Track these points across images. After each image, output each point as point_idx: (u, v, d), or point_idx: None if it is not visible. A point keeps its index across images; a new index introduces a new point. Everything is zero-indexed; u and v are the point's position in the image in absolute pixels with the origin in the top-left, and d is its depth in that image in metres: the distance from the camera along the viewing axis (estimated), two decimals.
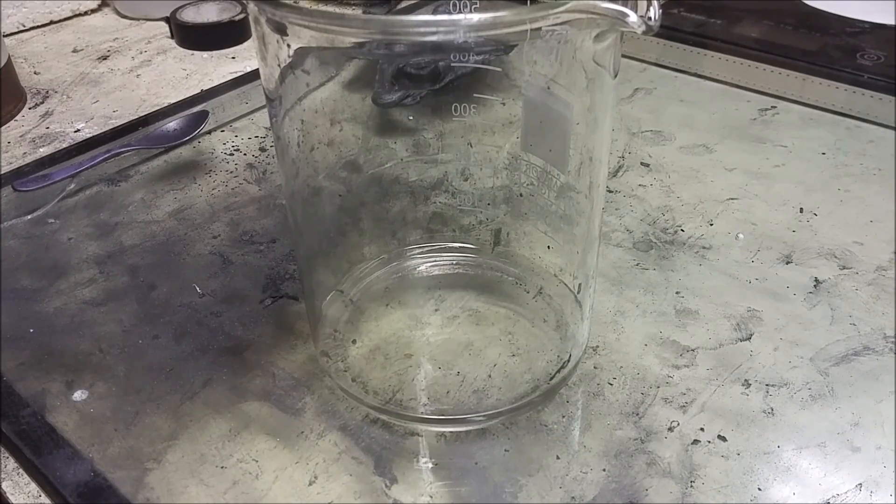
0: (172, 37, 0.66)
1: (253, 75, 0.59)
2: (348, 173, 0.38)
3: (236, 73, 0.62)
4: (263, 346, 0.37)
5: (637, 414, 0.33)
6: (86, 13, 0.75)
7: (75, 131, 0.55)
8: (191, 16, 0.67)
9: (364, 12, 0.27)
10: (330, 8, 0.27)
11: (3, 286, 0.41)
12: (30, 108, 0.58)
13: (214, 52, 0.66)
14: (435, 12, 0.28)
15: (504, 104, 0.33)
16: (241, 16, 0.67)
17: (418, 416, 0.33)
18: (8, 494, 0.30)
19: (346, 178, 0.38)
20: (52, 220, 0.46)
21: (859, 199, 0.46)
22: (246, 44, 0.67)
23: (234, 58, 0.65)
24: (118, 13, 0.75)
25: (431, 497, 0.30)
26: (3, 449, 0.32)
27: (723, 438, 0.32)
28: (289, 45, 0.28)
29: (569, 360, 0.33)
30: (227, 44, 0.67)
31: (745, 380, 0.34)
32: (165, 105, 0.57)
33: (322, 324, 0.36)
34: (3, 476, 0.31)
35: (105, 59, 0.66)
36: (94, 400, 0.34)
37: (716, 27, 0.63)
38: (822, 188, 0.47)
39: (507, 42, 0.31)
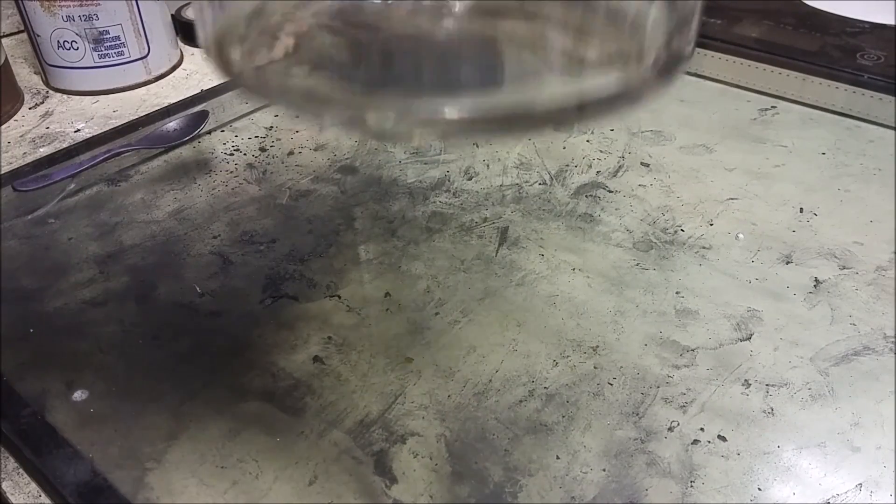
0: (177, 34, 0.66)
1: None
2: (343, 175, 0.38)
3: None
4: (263, 346, 0.37)
5: (637, 414, 0.33)
6: None
7: (75, 131, 0.55)
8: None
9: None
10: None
11: (3, 286, 0.41)
12: (30, 108, 0.58)
13: None
14: None
15: None
16: None
17: (418, 417, 0.33)
18: (8, 494, 0.30)
19: (340, 180, 0.38)
20: (52, 220, 0.46)
21: (859, 199, 0.46)
22: None
23: None
24: None
25: (431, 497, 0.30)
26: (3, 449, 0.32)
27: (723, 438, 0.32)
28: None
29: None
30: None
31: (745, 380, 0.34)
32: (165, 105, 0.57)
33: (320, 327, 0.36)
34: (3, 476, 0.31)
35: None
36: (94, 400, 0.34)
37: (716, 27, 0.63)
38: (822, 188, 0.47)
39: None
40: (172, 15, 0.66)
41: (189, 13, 0.67)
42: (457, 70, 0.22)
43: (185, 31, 0.67)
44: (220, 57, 0.23)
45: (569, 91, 0.21)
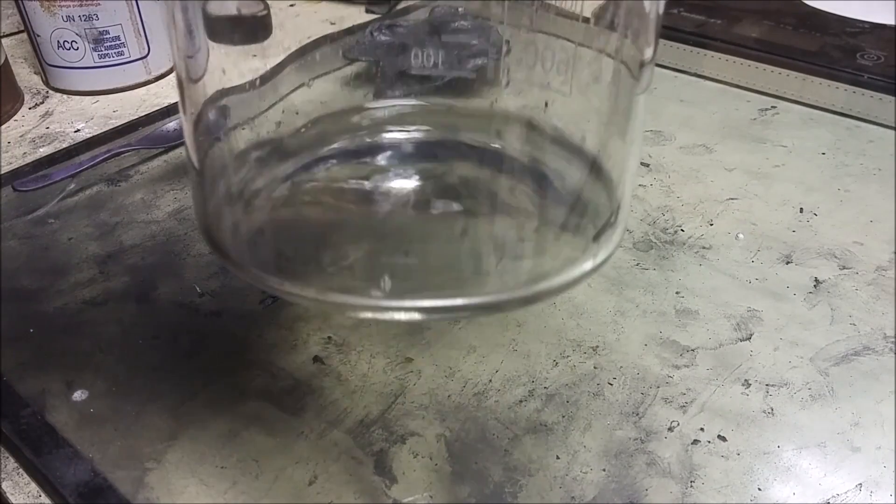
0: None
1: None
2: None
3: None
4: (263, 346, 0.37)
5: (637, 414, 0.33)
6: None
7: (75, 131, 0.55)
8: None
9: (366, 10, 0.27)
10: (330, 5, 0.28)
11: (3, 286, 0.41)
12: (29, 108, 0.58)
13: None
14: (432, 12, 0.28)
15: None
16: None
17: (418, 417, 0.33)
18: (8, 494, 0.30)
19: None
20: (52, 220, 0.46)
21: (859, 199, 0.46)
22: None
23: None
24: None
25: (431, 497, 0.30)
26: (3, 449, 0.32)
27: (723, 438, 0.32)
28: None
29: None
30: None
31: (745, 380, 0.34)
32: (165, 105, 0.57)
33: (320, 327, 0.36)
34: (3, 476, 0.31)
35: None
36: (94, 400, 0.34)
37: (716, 27, 0.63)
38: (822, 188, 0.47)
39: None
40: None
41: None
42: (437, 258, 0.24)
43: None
44: (210, 236, 0.25)
45: (535, 280, 0.24)
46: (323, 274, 0.25)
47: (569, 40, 0.25)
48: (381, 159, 0.29)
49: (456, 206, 0.27)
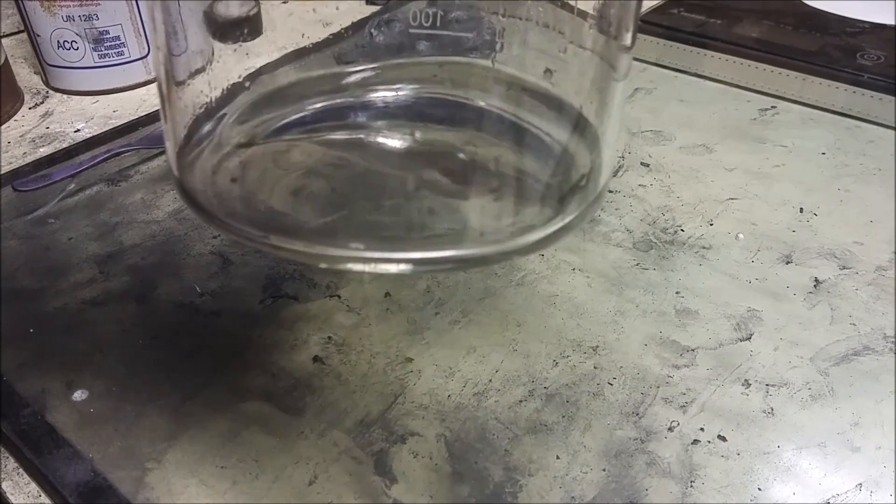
0: None
1: None
2: None
3: None
4: (263, 346, 0.37)
5: (637, 414, 0.33)
6: None
7: (75, 131, 0.55)
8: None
9: (367, 2, 0.27)
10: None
11: (3, 286, 0.41)
12: (30, 108, 0.58)
13: None
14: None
15: None
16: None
17: (418, 417, 0.33)
18: (8, 494, 0.30)
19: None
20: (52, 220, 0.46)
21: (859, 199, 0.46)
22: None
23: None
24: None
25: (431, 497, 0.30)
26: (3, 449, 0.32)
27: (723, 438, 0.32)
28: None
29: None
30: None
31: (745, 380, 0.34)
32: None
33: (320, 327, 0.36)
34: (3, 476, 0.31)
35: None
36: (94, 400, 0.34)
37: (716, 27, 0.64)
38: (822, 188, 0.47)
39: None
40: None
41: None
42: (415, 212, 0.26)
43: None
44: (182, 183, 0.25)
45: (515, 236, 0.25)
46: (309, 229, 0.25)
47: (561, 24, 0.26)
48: (365, 116, 0.29)
49: (435, 164, 0.27)
